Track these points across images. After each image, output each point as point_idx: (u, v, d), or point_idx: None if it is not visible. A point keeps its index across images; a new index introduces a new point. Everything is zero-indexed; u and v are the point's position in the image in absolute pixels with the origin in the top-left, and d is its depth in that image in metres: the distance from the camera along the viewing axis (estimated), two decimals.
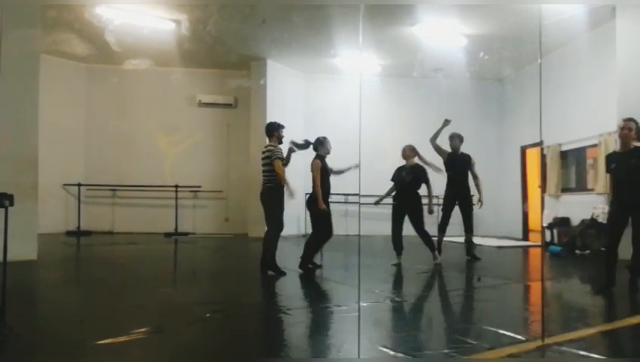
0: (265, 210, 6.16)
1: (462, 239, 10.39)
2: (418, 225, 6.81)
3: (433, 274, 6.38)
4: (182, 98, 12.18)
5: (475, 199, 7.55)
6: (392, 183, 7.17)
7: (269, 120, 11.04)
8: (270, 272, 6.05)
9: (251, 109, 11.73)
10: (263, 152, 6.21)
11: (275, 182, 6.05)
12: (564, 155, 10.21)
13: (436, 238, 7.21)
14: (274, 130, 6.30)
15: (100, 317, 3.93)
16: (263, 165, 6.16)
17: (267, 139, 6.36)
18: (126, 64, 10.98)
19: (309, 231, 6.57)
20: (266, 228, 6.23)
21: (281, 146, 6.21)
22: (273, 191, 6.07)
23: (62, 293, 5.05)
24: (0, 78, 6.38)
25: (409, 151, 7.12)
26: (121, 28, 9.03)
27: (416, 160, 7.11)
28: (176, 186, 11.60)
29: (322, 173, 6.25)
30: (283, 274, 6.03)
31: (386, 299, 4.69)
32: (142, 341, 3.21)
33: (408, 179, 6.89)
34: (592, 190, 9.18)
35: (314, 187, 6.13)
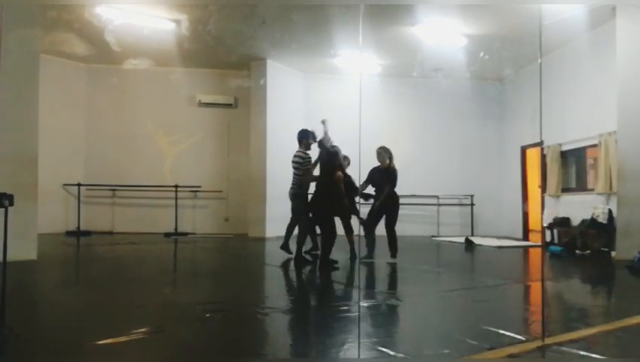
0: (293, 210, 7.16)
1: (462, 239, 10.45)
2: (392, 223, 6.96)
3: (393, 272, 6.44)
4: (182, 98, 12.18)
5: None
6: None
7: (269, 120, 11.31)
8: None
9: (251, 109, 11.73)
10: (294, 156, 7.08)
11: (300, 184, 6.99)
12: (564, 155, 10.21)
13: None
14: (302, 138, 7.09)
15: (100, 317, 3.92)
16: (293, 169, 7.06)
17: (298, 145, 7.18)
18: (126, 64, 10.98)
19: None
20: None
21: (308, 152, 7.05)
22: (298, 191, 7.02)
23: (62, 293, 5.05)
24: (0, 78, 6.38)
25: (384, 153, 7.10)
26: (121, 28, 9.03)
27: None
28: (176, 186, 11.60)
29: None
30: (309, 262, 6.93)
31: (385, 298, 4.69)
32: (142, 341, 3.21)
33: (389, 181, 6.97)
34: (592, 190, 9.19)
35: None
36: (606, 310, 4.67)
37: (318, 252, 7.85)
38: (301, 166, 7.01)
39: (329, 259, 6.36)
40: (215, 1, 8.42)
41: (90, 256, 8.55)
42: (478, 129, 12.57)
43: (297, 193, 7.07)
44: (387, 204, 6.94)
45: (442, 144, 12.46)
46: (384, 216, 7.05)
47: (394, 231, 6.95)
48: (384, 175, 7.00)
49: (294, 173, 7.09)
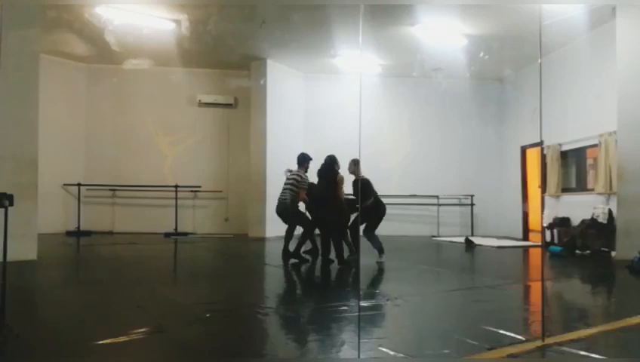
0: (288, 218, 7.40)
1: (462, 239, 10.45)
2: (369, 229, 7.03)
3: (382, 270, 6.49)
4: (182, 98, 12.18)
5: None
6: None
7: (269, 120, 11.33)
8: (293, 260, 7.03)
9: (251, 109, 11.73)
10: (292, 174, 7.32)
11: (293, 198, 7.23)
12: (564, 155, 10.21)
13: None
14: (304, 161, 7.33)
15: (100, 317, 3.92)
16: (287, 184, 7.27)
17: (296, 166, 7.41)
18: (126, 64, 10.98)
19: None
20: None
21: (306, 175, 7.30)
22: (292, 203, 7.30)
23: (62, 293, 5.04)
24: (0, 78, 6.37)
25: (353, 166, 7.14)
26: (121, 28, 9.03)
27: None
28: (176, 186, 11.60)
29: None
30: (306, 260, 7.08)
31: (385, 298, 4.69)
32: (142, 341, 3.21)
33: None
34: (592, 190, 9.19)
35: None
36: (606, 310, 4.67)
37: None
38: (297, 183, 7.22)
39: (337, 260, 6.46)
40: (215, 1, 8.41)
41: (90, 256, 8.55)
42: (478, 129, 12.57)
43: (293, 208, 7.34)
44: (366, 212, 6.92)
45: (442, 144, 12.46)
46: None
47: (372, 236, 6.98)
48: (356, 186, 7.06)
49: (290, 190, 7.24)
